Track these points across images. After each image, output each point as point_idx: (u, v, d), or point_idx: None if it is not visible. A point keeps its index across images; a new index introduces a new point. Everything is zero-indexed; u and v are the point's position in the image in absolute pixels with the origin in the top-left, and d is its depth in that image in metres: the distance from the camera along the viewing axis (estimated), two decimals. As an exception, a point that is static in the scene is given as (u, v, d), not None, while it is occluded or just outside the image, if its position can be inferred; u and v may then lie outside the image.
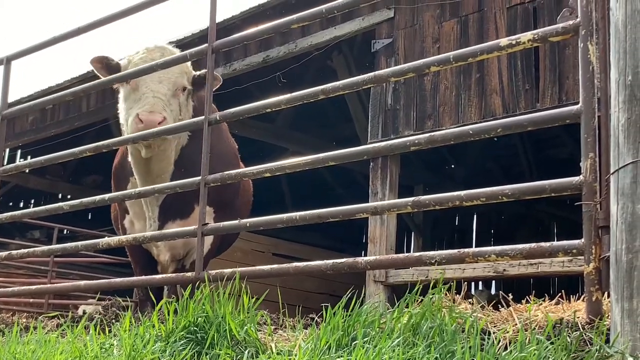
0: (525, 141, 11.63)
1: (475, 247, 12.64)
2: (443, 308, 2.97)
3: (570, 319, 2.78)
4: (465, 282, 3.66)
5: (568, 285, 11.25)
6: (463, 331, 2.78)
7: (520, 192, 3.17)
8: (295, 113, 11.31)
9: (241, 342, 3.17)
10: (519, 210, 13.29)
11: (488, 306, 3.30)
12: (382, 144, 3.74)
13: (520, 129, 3.34)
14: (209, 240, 5.36)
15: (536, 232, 13.73)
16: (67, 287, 6.60)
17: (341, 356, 2.77)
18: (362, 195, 7.60)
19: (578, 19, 3.03)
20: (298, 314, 3.66)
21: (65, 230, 11.80)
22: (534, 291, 3.61)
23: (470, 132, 3.38)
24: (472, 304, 3.30)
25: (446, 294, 3.21)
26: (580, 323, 2.73)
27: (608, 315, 2.65)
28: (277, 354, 3.00)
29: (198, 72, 5.14)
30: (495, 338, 2.70)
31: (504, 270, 6.39)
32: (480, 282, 11.72)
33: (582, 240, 2.86)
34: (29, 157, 13.83)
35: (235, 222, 4.36)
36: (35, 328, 4.32)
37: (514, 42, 3.27)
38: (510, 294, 3.29)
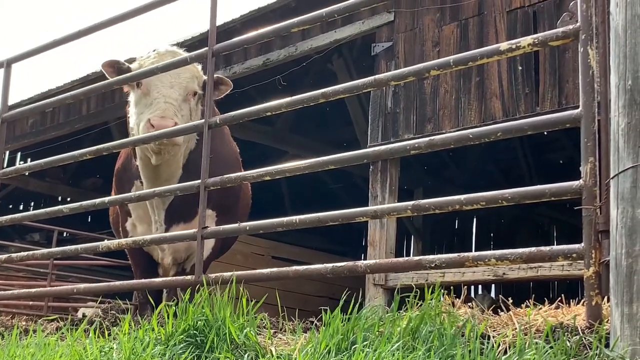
0: (525, 145, 11.63)
1: (475, 250, 12.67)
2: (443, 312, 2.97)
3: (570, 323, 2.78)
4: (465, 286, 3.66)
5: (568, 289, 11.26)
6: (463, 335, 2.78)
7: (520, 196, 3.17)
8: (295, 116, 11.32)
9: (241, 346, 3.17)
10: (519, 213, 13.28)
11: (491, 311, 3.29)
12: (382, 147, 3.74)
13: (520, 133, 3.35)
14: (210, 243, 5.36)
15: (536, 236, 13.73)
16: (67, 290, 6.59)
17: (341, 360, 2.77)
18: (362, 199, 7.61)
19: (578, 24, 3.03)
20: (297, 318, 3.66)
21: (65, 233, 11.80)
22: (533, 295, 3.61)
23: (470, 136, 3.38)
24: (472, 307, 3.30)
25: (446, 298, 3.21)
26: (580, 327, 2.73)
27: (608, 320, 2.65)
28: (277, 357, 3.00)
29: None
30: (495, 342, 2.70)
31: (504, 273, 6.38)
32: (480, 286, 11.72)
33: (582, 244, 2.86)
34: (29, 159, 13.82)
35: (235, 225, 4.36)
36: (34, 331, 4.32)
37: (514, 47, 3.27)
38: (509, 298, 3.29)
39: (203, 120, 4.33)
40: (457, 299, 3.34)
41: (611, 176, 2.63)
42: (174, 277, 5.16)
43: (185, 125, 4.66)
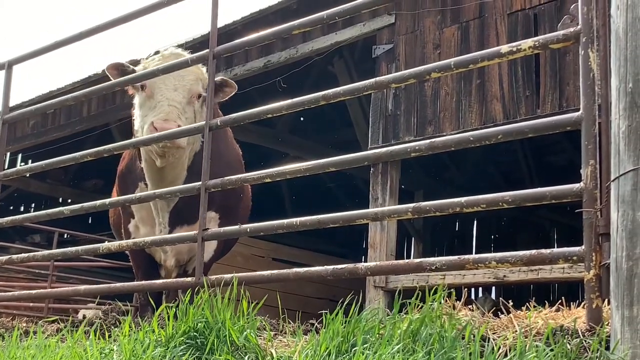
0: (525, 147, 11.63)
1: (476, 252, 12.69)
2: (443, 314, 2.97)
3: (571, 325, 2.78)
4: (466, 289, 3.66)
5: (568, 291, 11.26)
6: (463, 338, 2.78)
7: (520, 198, 3.17)
8: (296, 118, 11.34)
9: (241, 348, 3.17)
10: (520, 216, 13.28)
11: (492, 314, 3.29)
12: (383, 149, 3.74)
13: (521, 135, 3.35)
14: (212, 245, 5.37)
15: (536, 238, 13.72)
16: (67, 292, 6.59)
17: (341, 362, 2.77)
18: (362, 200, 7.61)
19: (579, 26, 3.04)
20: (298, 320, 3.66)
21: (65, 235, 11.80)
22: (534, 297, 3.61)
23: (471, 138, 3.39)
24: (473, 310, 3.30)
25: (446, 300, 3.21)
26: (580, 330, 2.73)
27: (608, 323, 2.65)
28: (277, 359, 3.00)
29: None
30: (496, 345, 2.70)
31: (504, 276, 6.38)
32: (480, 288, 11.73)
33: (583, 247, 2.86)
34: (29, 161, 13.84)
35: (236, 227, 4.36)
36: (35, 332, 4.32)
37: (514, 49, 3.27)
38: (510, 300, 3.29)
39: (204, 122, 4.33)
40: (458, 302, 3.34)
41: (612, 179, 2.63)
42: (175, 279, 5.16)
43: (187, 127, 4.65)
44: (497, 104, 6.71)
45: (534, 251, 3.06)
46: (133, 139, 4.87)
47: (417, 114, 7.27)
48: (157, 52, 5.25)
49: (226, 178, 4.23)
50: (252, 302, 3.44)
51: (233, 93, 5.06)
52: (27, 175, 13.26)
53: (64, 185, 14.83)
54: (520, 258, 3.08)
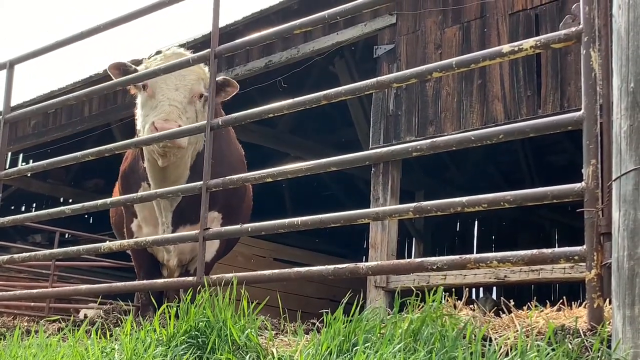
0: (526, 147, 11.63)
1: (476, 252, 12.67)
2: (444, 314, 2.97)
3: (572, 325, 2.78)
4: (467, 288, 3.66)
5: (569, 291, 11.25)
6: (464, 337, 2.78)
7: (521, 198, 3.17)
8: (297, 118, 11.33)
9: (242, 347, 3.17)
10: (521, 216, 13.28)
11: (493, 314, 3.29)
12: (384, 149, 3.74)
13: (522, 135, 3.35)
14: (215, 245, 5.37)
15: (537, 238, 13.72)
16: (69, 291, 6.60)
17: (342, 361, 2.77)
18: (363, 200, 7.61)
19: (580, 26, 3.04)
20: (299, 319, 3.66)
21: (66, 234, 11.80)
22: (535, 297, 3.61)
23: (472, 138, 3.39)
24: (474, 310, 3.30)
25: (447, 300, 3.21)
26: (582, 330, 2.73)
27: (609, 322, 2.65)
28: (278, 359, 3.00)
29: (216, 79, 5.07)
30: (497, 344, 2.70)
31: (505, 276, 6.38)
32: (481, 288, 11.72)
33: (584, 246, 2.86)
34: (31, 161, 13.85)
35: (237, 227, 4.37)
36: (36, 332, 4.33)
37: (516, 49, 3.27)
38: (511, 300, 3.29)
39: (205, 122, 4.33)
40: (459, 301, 3.34)
41: (613, 178, 2.63)
42: (176, 279, 5.16)
43: (188, 126, 4.66)
44: (498, 104, 6.71)
45: (535, 251, 3.06)
46: (134, 139, 4.87)
47: (418, 114, 7.27)
48: (158, 52, 5.24)
49: (227, 178, 4.23)
50: (253, 302, 3.44)
51: (235, 92, 5.06)
52: (28, 174, 13.27)
53: (65, 185, 14.83)
54: (522, 258, 3.07)
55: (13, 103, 5.96)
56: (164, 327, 3.38)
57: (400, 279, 6.94)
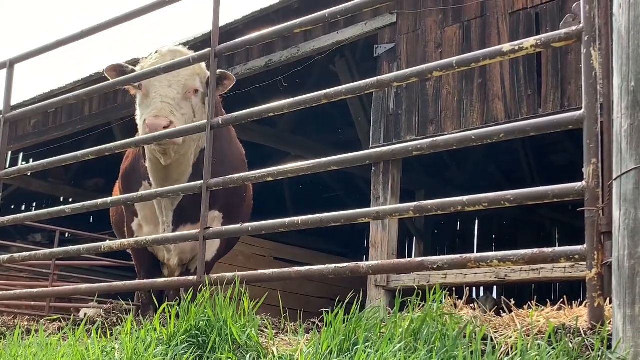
0: (527, 146, 11.63)
1: (477, 251, 12.67)
2: (445, 313, 2.97)
3: (572, 324, 2.78)
4: (467, 288, 3.66)
5: (570, 290, 11.25)
6: (465, 337, 2.78)
7: (522, 197, 3.17)
8: (298, 117, 11.33)
9: (242, 346, 3.17)
10: (521, 215, 13.28)
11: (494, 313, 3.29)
12: (385, 148, 3.74)
13: (523, 134, 3.34)
14: (215, 245, 5.37)
15: (538, 238, 13.72)
16: (69, 290, 6.60)
17: (343, 361, 2.77)
18: (364, 200, 7.61)
19: (581, 25, 3.03)
20: (299, 318, 3.66)
21: (67, 234, 11.81)
22: (535, 296, 3.61)
23: (473, 137, 3.38)
24: (474, 309, 3.30)
25: (448, 299, 3.20)
26: (582, 329, 2.73)
27: (610, 322, 2.65)
28: (279, 358, 3.00)
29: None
30: (497, 344, 2.70)
31: (506, 275, 6.38)
32: (481, 287, 11.73)
33: (585, 246, 2.86)
34: (31, 160, 13.85)
35: (237, 226, 4.36)
36: (36, 331, 4.32)
37: (516, 48, 3.27)
38: (511, 299, 3.29)
39: (205, 121, 4.33)
40: (459, 301, 3.34)
41: (614, 178, 2.63)
42: (176, 278, 5.16)
43: (188, 125, 4.65)
44: (498, 103, 6.71)
45: (535, 250, 3.06)
46: (134, 138, 4.87)
47: (418, 113, 7.27)
48: (157, 52, 5.24)
49: (228, 177, 4.23)
50: (253, 301, 3.44)
51: (232, 85, 5.02)
52: (29, 174, 13.28)
53: (65, 184, 14.84)
54: (522, 257, 3.07)
55: (13, 102, 5.96)
56: (164, 327, 3.38)
57: (400, 278, 6.94)
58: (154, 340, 3.29)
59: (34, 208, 16.38)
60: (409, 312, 3.01)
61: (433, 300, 2.99)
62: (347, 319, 3.01)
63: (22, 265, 9.77)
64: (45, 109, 6.68)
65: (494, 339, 2.78)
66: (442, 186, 11.83)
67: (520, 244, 12.97)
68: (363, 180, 11.97)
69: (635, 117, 2.52)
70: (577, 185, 2.94)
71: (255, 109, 4.21)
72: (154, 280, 4.82)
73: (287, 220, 3.93)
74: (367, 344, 2.83)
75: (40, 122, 12.17)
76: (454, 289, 3.42)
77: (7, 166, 6.78)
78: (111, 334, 3.81)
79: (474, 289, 11.85)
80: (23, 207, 16.62)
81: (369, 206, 7.08)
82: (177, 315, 3.42)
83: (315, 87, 8.24)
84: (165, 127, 4.66)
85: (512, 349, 2.68)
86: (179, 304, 3.46)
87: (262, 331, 3.41)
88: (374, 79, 3.76)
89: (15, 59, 5.64)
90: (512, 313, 3.14)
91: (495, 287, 12.08)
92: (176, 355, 3.15)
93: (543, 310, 3.18)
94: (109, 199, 4.97)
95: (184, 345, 3.21)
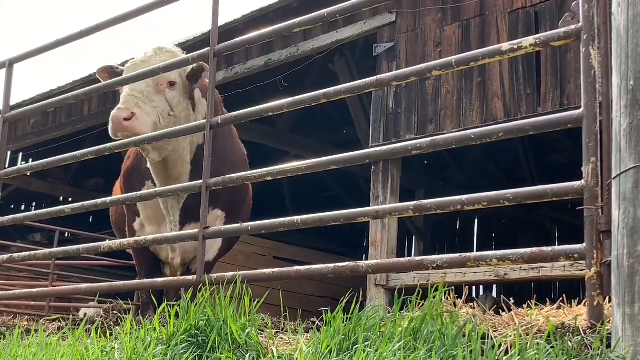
0: (526, 145, 11.63)
1: (477, 250, 12.67)
2: (444, 312, 2.97)
3: (572, 323, 2.78)
4: (467, 286, 3.65)
5: (569, 289, 11.25)
6: (464, 335, 2.78)
7: (522, 196, 3.17)
8: (297, 116, 11.33)
9: (242, 346, 3.17)
10: (521, 214, 13.28)
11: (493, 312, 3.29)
12: (384, 147, 3.74)
13: (522, 133, 3.35)
14: (217, 244, 5.36)
15: (537, 236, 13.71)
16: (68, 290, 6.60)
17: (342, 360, 2.77)
18: (363, 199, 7.61)
19: (580, 24, 3.03)
20: (299, 318, 3.66)
21: (66, 233, 11.79)
22: (535, 295, 3.61)
23: (472, 136, 3.39)
24: (474, 308, 3.30)
25: (447, 298, 3.21)
26: (582, 328, 2.73)
27: (609, 320, 2.65)
28: (279, 357, 3.00)
29: (191, 66, 4.91)
30: (497, 342, 2.70)
31: (505, 274, 6.38)
32: (481, 286, 11.72)
33: (584, 244, 2.86)
34: (30, 160, 13.85)
35: (237, 225, 4.37)
36: (36, 331, 4.33)
37: (515, 47, 3.27)
38: (511, 298, 3.29)
39: (205, 121, 4.33)
40: (459, 299, 3.34)
41: (613, 176, 2.63)
42: (177, 277, 5.16)
43: (187, 125, 4.66)
44: (498, 102, 6.71)
45: (535, 249, 3.06)
46: (134, 138, 4.86)
47: (418, 112, 7.27)
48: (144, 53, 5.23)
49: (227, 176, 4.23)
50: (253, 301, 3.44)
51: (206, 72, 4.94)
52: (28, 174, 13.27)
53: (65, 184, 14.83)
54: (522, 256, 3.08)
55: (12, 102, 5.96)
56: (164, 326, 3.38)
57: (400, 277, 6.94)
58: (154, 340, 3.29)
59: (33, 208, 16.37)
60: (408, 312, 3.01)
61: (433, 299, 2.99)
62: (347, 318, 3.01)
63: (22, 265, 9.76)
64: (44, 108, 6.69)
65: (493, 337, 2.78)
66: (442, 185, 11.84)
67: (519, 242, 12.97)
68: (363, 179, 11.96)
69: (634, 115, 2.52)
70: (577, 184, 2.95)
71: (255, 108, 4.21)
72: (154, 279, 4.81)
73: (286, 219, 3.93)
74: (366, 344, 2.83)
75: (39, 122, 12.16)
76: (453, 287, 3.42)
77: (7, 166, 6.78)
78: (111, 334, 3.82)
79: (474, 287, 11.85)
80: (23, 207, 16.62)
81: (369, 205, 7.08)
82: (177, 315, 3.42)
83: (314, 86, 8.25)
84: (126, 119, 4.62)
85: (511, 347, 2.68)
86: (178, 304, 3.46)
87: (261, 330, 3.41)
88: (373, 78, 3.76)
89: (15, 59, 5.64)
90: (512, 312, 3.15)
91: (494, 286, 12.08)
92: (176, 354, 3.15)
93: (542, 309, 3.19)
94: (108, 199, 4.97)
95: (183, 345, 3.21)
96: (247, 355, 3.05)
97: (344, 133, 11.99)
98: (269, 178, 4.04)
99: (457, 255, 3.29)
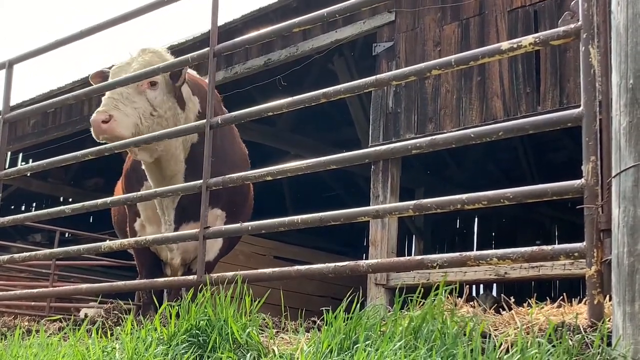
0: (526, 144, 11.63)
1: (477, 249, 12.68)
2: (445, 311, 2.97)
3: (572, 322, 2.78)
4: (467, 285, 3.66)
5: (569, 288, 11.26)
6: (465, 334, 2.78)
7: (521, 195, 3.18)
8: (297, 116, 11.33)
9: (243, 346, 3.17)
10: (521, 213, 13.29)
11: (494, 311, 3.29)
12: (384, 147, 3.74)
13: (522, 132, 3.35)
14: (218, 244, 5.36)
15: (537, 235, 13.73)
16: (69, 290, 6.60)
17: (343, 359, 2.77)
18: (363, 198, 7.61)
19: (579, 23, 3.04)
20: (300, 317, 3.66)
21: (67, 234, 11.81)
22: (535, 294, 3.61)
23: (472, 135, 3.39)
24: (474, 307, 3.30)
25: (448, 297, 3.21)
26: (582, 326, 2.73)
27: (610, 319, 2.65)
28: (279, 357, 3.00)
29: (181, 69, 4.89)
30: (497, 341, 2.70)
31: (505, 273, 6.39)
32: (481, 285, 11.72)
33: (584, 243, 2.86)
34: (30, 160, 13.85)
35: (237, 225, 4.37)
36: (37, 331, 4.33)
37: (515, 46, 3.27)
38: (511, 297, 3.29)
39: (205, 121, 4.34)
40: (459, 299, 3.34)
41: (613, 175, 2.63)
42: (177, 277, 5.16)
43: (187, 125, 4.66)
44: (497, 101, 6.71)
45: (535, 248, 3.06)
46: (134, 138, 4.87)
47: (417, 112, 7.28)
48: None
49: (227, 176, 4.23)
50: (253, 301, 3.44)
51: (186, 71, 4.95)
52: (28, 174, 13.27)
53: (65, 184, 14.84)
54: (522, 254, 3.08)
55: (12, 102, 5.97)
56: (164, 326, 3.39)
57: (400, 277, 6.94)
58: (155, 340, 3.29)
59: (33, 208, 16.38)
60: (409, 311, 3.01)
61: (434, 298, 3.00)
62: (348, 317, 3.01)
63: (22, 265, 9.77)
64: (44, 109, 6.69)
65: (493, 336, 2.79)
66: (442, 184, 11.84)
67: (519, 241, 12.98)
68: (362, 178, 11.97)
69: (634, 114, 2.53)
70: (576, 182, 2.95)
71: (255, 108, 4.21)
72: (155, 279, 4.82)
73: (287, 219, 3.93)
74: (367, 343, 2.84)
75: (39, 122, 12.16)
76: (453, 286, 3.42)
77: (7, 166, 6.78)
78: (112, 334, 3.82)
79: (474, 286, 11.85)
80: (23, 208, 16.62)
81: (369, 204, 7.09)
82: (178, 315, 3.42)
83: (314, 86, 8.24)
84: (104, 122, 4.61)
85: (512, 346, 2.68)
86: (179, 304, 3.46)
87: (262, 330, 3.42)
88: (373, 77, 3.76)
89: (15, 60, 5.64)
90: (512, 311, 3.15)
91: (495, 285, 12.08)
92: (177, 354, 3.15)
93: (543, 307, 3.19)
94: (109, 199, 4.97)
95: (184, 345, 3.21)
96: (248, 355, 3.06)
97: (343, 133, 11.99)
98: (269, 178, 4.04)
99: (457, 254, 3.29)
